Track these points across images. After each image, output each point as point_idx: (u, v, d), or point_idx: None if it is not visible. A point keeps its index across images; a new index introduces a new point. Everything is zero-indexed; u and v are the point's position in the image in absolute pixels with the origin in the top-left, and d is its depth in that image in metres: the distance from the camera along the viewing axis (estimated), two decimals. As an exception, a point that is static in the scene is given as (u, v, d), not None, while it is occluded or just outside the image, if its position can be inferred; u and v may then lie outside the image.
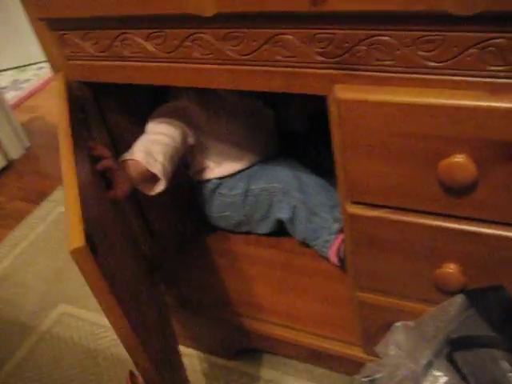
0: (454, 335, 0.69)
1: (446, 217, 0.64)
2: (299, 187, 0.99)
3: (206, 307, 1.04)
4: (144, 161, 0.85)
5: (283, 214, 1.02)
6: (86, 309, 1.33)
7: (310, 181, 1.01)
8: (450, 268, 0.68)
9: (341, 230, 0.95)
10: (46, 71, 2.69)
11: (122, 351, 1.20)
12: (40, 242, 1.61)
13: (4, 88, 2.63)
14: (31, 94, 2.58)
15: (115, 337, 1.27)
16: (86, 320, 1.30)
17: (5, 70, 2.89)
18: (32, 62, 2.83)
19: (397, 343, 0.75)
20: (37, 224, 1.69)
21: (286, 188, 1.00)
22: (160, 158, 0.87)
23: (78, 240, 0.45)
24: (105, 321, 1.33)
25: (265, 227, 1.10)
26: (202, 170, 1.09)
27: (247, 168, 1.08)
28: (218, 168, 1.08)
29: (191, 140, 1.00)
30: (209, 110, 1.02)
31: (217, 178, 1.09)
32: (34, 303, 1.39)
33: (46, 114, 2.37)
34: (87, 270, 0.46)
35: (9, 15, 2.50)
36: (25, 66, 2.88)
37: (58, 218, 1.69)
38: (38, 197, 1.84)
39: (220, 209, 1.10)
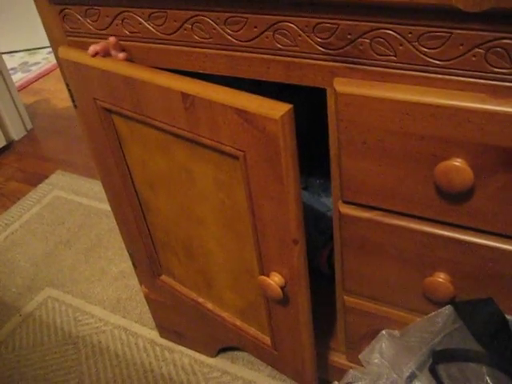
0: (439, 347, 0.66)
1: (439, 223, 0.62)
2: None
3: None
4: None
5: None
6: (71, 294, 1.32)
7: None
8: (440, 277, 0.65)
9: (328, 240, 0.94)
10: (55, 55, 2.68)
11: (102, 339, 1.19)
12: (32, 224, 1.59)
13: (12, 69, 2.62)
14: (39, 77, 2.56)
15: (97, 324, 1.25)
16: (70, 305, 1.28)
17: (15, 52, 2.88)
18: (43, 45, 2.82)
19: (381, 352, 0.73)
20: (31, 206, 1.68)
21: None
22: None
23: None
24: (88, 308, 1.32)
25: None
26: None
27: None
28: None
29: None
30: None
31: None
32: (20, 285, 1.38)
33: (51, 97, 2.36)
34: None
35: (23, -4, 2.49)
36: (35, 49, 2.87)
37: (53, 201, 1.67)
38: (36, 179, 1.83)
39: None
